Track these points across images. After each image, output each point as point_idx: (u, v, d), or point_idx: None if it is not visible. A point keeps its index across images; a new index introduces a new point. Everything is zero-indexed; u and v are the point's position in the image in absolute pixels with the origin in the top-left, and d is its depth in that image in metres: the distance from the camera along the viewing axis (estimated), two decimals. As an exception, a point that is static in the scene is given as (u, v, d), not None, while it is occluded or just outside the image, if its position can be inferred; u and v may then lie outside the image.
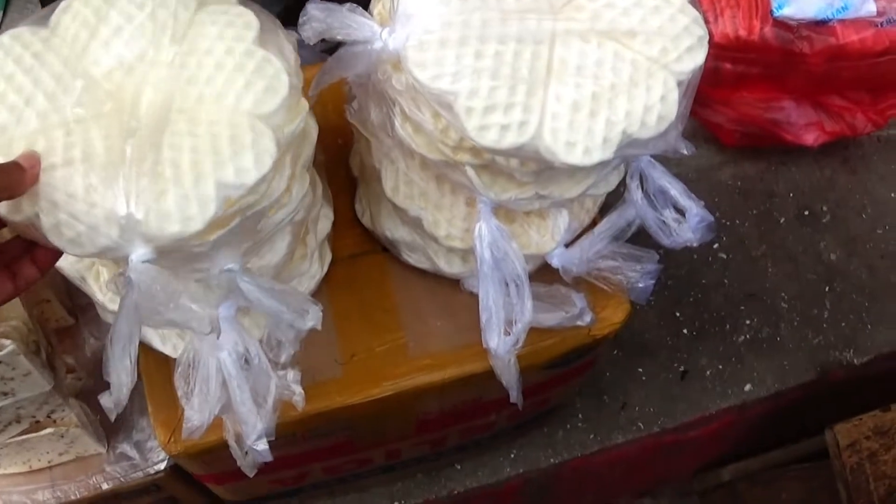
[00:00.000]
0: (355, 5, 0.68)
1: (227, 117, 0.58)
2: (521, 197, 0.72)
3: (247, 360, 0.68)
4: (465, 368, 0.83)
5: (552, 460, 1.27)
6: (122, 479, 0.99)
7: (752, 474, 1.46)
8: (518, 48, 0.64)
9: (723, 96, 1.32)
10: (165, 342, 0.80)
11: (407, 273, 0.88)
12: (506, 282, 0.72)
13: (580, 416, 1.29)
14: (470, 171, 0.70)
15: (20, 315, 0.84)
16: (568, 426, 1.29)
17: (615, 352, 1.31)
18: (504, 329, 0.72)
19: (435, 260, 0.84)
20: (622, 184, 0.77)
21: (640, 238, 0.77)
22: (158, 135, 0.57)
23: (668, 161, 0.72)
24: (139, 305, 0.55)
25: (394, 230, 0.85)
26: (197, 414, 0.67)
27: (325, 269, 0.85)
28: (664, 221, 0.73)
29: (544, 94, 0.64)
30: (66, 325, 1.05)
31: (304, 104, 0.64)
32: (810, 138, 1.33)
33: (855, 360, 1.31)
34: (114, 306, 0.74)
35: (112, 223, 0.55)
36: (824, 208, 1.42)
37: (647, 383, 1.31)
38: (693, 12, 0.68)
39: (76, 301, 1.06)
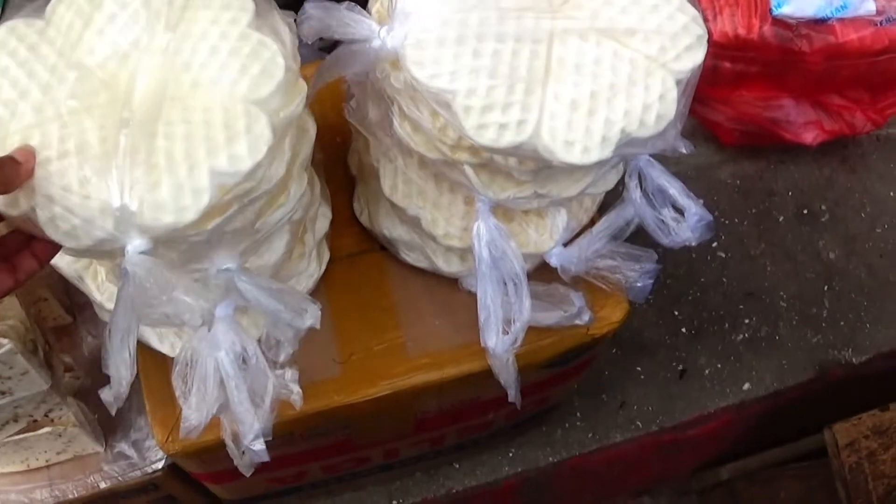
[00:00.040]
0: (353, 4, 0.68)
1: (221, 103, 0.58)
2: (519, 196, 0.71)
3: (244, 360, 0.68)
4: (464, 368, 0.83)
5: (551, 459, 1.27)
6: (119, 478, 0.99)
7: (750, 473, 1.46)
8: (516, 47, 0.64)
9: (722, 95, 1.31)
10: (163, 341, 0.80)
11: (405, 272, 0.88)
12: (504, 281, 0.71)
13: (578, 414, 1.29)
14: (468, 170, 0.70)
15: (17, 314, 0.84)
16: (566, 425, 1.29)
17: (614, 350, 1.31)
18: (502, 328, 0.72)
19: (433, 259, 0.84)
20: (621, 183, 0.77)
21: (639, 237, 0.77)
22: (153, 124, 0.57)
23: (666, 159, 0.72)
24: (135, 298, 0.55)
25: (392, 229, 0.85)
26: (194, 413, 0.67)
27: (324, 268, 0.85)
28: (663, 220, 0.73)
29: (542, 93, 0.64)
30: (63, 324, 1.05)
31: (303, 86, 0.63)
32: (809, 137, 1.33)
33: (854, 359, 1.31)
34: (111, 305, 0.74)
35: (107, 215, 0.54)
36: (823, 207, 1.42)
37: (646, 382, 1.31)
38: (692, 11, 0.67)
39: (74, 299, 1.06)
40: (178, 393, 0.68)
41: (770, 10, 1.16)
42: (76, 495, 0.99)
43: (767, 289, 1.36)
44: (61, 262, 0.75)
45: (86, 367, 1.03)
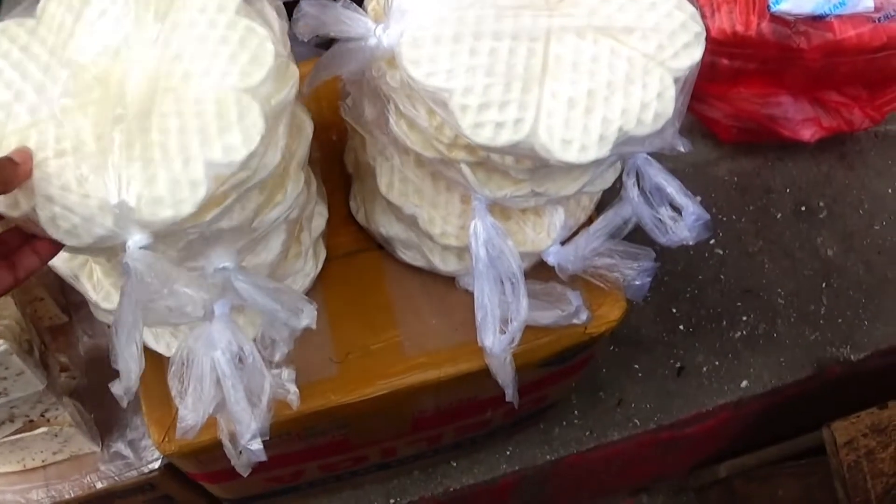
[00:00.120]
0: (349, 1, 0.67)
1: (213, 93, 0.57)
2: (516, 194, 0.71)
3: (241, 359, 0.68)
4: (461, 367, 0.82)
5: (548, 457, 1.27)
6: (116, 477, 0.99)
7: (748, 471, 1.46)
8: (513, 45, 0.64)
9: (719, 92, 1.31)
10: (159, 340, 0.79)
11: (402, 271, 0.88)
12: (501, 280, 0.71)
13: (576, 412, 1.29)
14: (465, 169, 0.69)
15: (13, 314, 0.84)
16: (564, 423, 1.28)
17: (611, 348, 1.31)
18: (499, 327, 0.71)
19: (430, 257, 0.83)
20: (618, 180, 0.76)
21: (637, 235, 0.77)
22: (146, 118, 0.57)
23: (663, 156, 0.71)
24: (138, 292, 0.56)
25: (388, 227, 0.84)
26: (191, 413, 0.67)
27: (320, 267, 0.84)
28: (660, 219, 0.72)
29: (540, 92, 0.63)
30: (59, 323, 1.04)
31: (295, 71, 0.63)
32: (807, 134, 1.33)
33: (852, 357, 1.31)
34: (107, 305, 0.74)
35: (106, 212, 0.55)
36: (821, 204, 1.42)
37: (644, 380, 1.31)
38: (690, 8, 0.67)
39: (69, 298, 1.05)
40: (174, 393, 0.67)
41: (768, 6, 1.16)
42: (73, 495, 0.98)
43: (765, 286, 1.36)
44: (57, 261, 0.75)
45: (82, 366, 1.03)
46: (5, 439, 0.92)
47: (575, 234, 0.80)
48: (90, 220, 0.55)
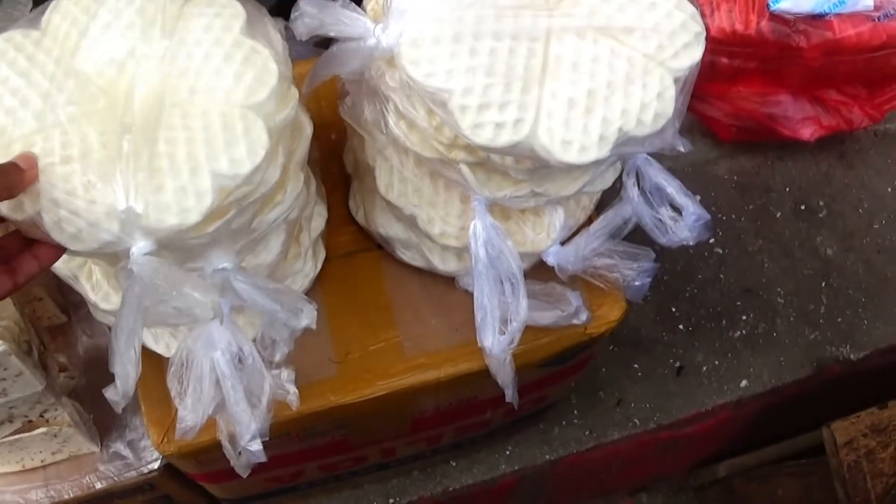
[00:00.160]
0: (348, 1, 0.67)
1: (218, 109, 0.59)
2: (516, 195, 0.71)
3: (241, 360, 0.68)
4: (461, 367, 0.82)
5: (548, 457, 1.27)
6: (115, 478, 0.99)
7: (747, 470, 1.46)
8: (513, 45, 0.64)
9: (719, 91, 1.31)
10: (158, 341, 0.79)
11: (401, 271, 0.87)
12: (501, 280, 0.71)
13: (576, 412, 1.29)
14: (464, 169, 0.69)
15: (12, 315, 0.84)
16: (563, 422, 1.28)
17: (611, 348, 1.31)
18: (499, 328, 0.71)
19: (429, 258, 0.83)
20: (618, 180, 0.76)
21: (636, 235, 0.77)
22: (153, 129, 0.58)
23: (662, 156, 0.71)
24: (142, 296, 0.56)
25: (388, 227, 0.84)
26: (191, 414, 0.67)
27: (319, 267, 0.84)
28: (660, 219, 0.72)
29: (540, 92, 0.63)
30: (58, 323, 1.04)
31: (294, 92, 0.65)
32: (807, 133, 1.33)
33: (851, 356, 1.31)
34: (106, 305, 0.74)
35: (112, 218, 0.56)
36: (821, 203, 1.42)
37: (643, 379, 1.31)
38: (690, 8, 0.67)
39: (68, 298, 1.05)
40: (173, 393, 0.67)
41: (767, 5, 1.16)
42: (72, 495, 0.98)
43: (765, 285, 1.36)
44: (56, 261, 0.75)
45: (81, 366, 1.03)
46: (4, 440, 0.92)
47: (575, 234, 0.80)
48: (96, 226, 0.56)
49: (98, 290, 0.74)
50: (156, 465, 0.99)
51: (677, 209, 0.72)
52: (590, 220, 0.83)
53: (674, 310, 1.34)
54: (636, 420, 1.29)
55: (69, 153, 0.56)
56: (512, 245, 0.71)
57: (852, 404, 1.19)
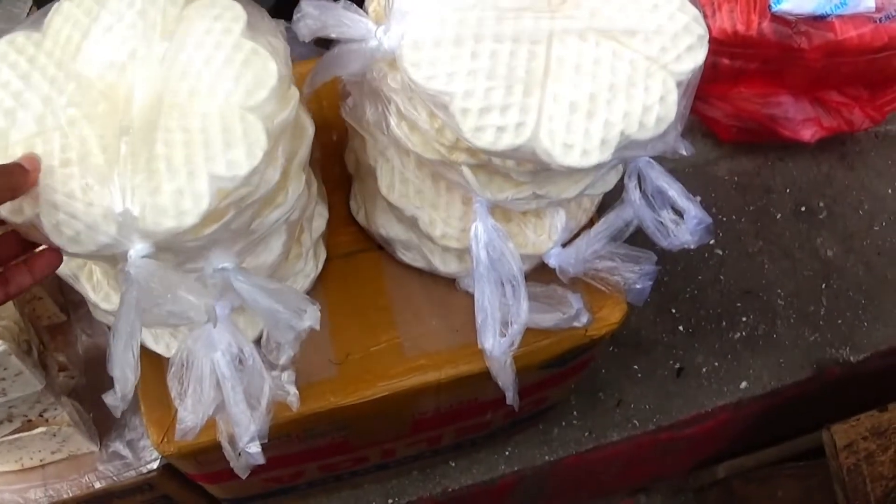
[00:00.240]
0: (350, 2, 0.67)
1: (218, 111, 0.59)
2: (517, 197, 0.71)
3: (241, 361, 0.68)
4: (462, 369, 0.82)
5: (547, 458, 1.27)
6: (114, 477, 0.99)
7: (747, 472, 1.46)
8: (514, 47, 0.64)
9: (720, 91, 1.31)
10: (158, 341, 0.79)
11: (402, 272, 0.87)
12: (502, 282, 0.71)
13: (575, 413, 1.29)
14: (466, 171, 0.69)
15: (11, 314, 0.83)
16: (563, 423, 1.28)
17: (611, 349, 1.31)
18: (500, 330, 0.71)
19: (430, 259, 0.83)
20: (620, 181, 0.76)
21: (638, 238, 0.77)
22: (152, 131, 0.58)
23: (663, 157, 0.71)
24: (140, 300, 0.57)
25: (389, 228, 0.84)
26: (191, 415, 0.67)
27: (320, 267, 0.84)
28: (662, 222, 0.72)
29: (541, 95, 0.63)
30: (58, 322, 1.04)
31: (295, 92, 0.65)
32: (807, 134, 1.33)
33: (851, 358, 1.31)
34: (106, 305, 0.74)
35: (110, 220, 0.56)
36: (821, 204, 1.42)
37: (643, 380, 1.31)
38: (693, 10, 0.67)
39: (68, 297, 1.05)
40: (173, 394, 0.67)
41: (769, 6, 1.16)
42: (71, 495, 0.98)
43: (765, 286, 1.36)
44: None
45: (80, 366, 1.03)
46: (3, 439, 0.92)
47: (576, 236, 0.80)
48: (94, 228, 0.56)
49: (99, 290, 0.74)
50: (155, 465, 0.99)
51: (679, 212, 0.72)
52: (591, 223, 0.83)
53: (674, 311, 1.34)
54: (636, 421, 1.29)
55: (68, 156, 0.57)
56: (513, 247, 0.71)
57: (852, 406, 1.19)
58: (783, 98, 1.30)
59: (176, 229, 0.56)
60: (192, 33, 0.62)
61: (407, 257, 0.86)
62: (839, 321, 1.34)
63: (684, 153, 0.68)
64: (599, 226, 0.76)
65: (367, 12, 0.69)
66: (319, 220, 0.83)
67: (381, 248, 0.89)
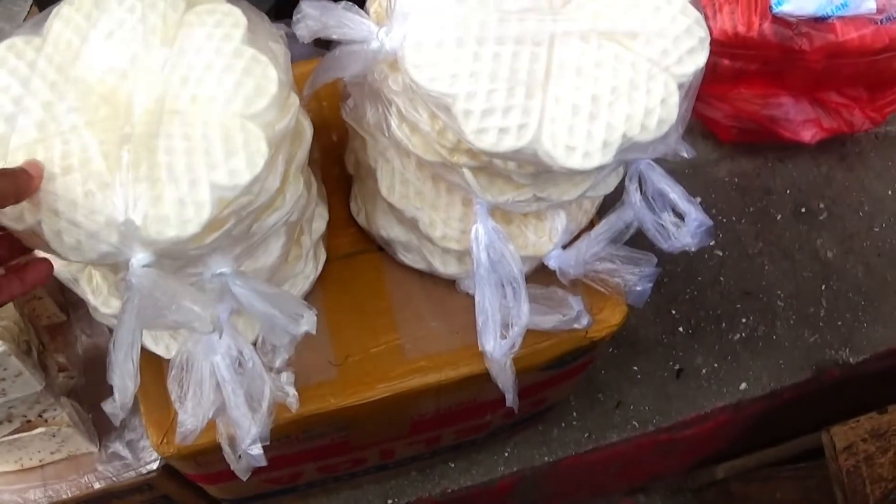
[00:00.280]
0: (351, 3, 0.67)
1: (218, 118, 0.59)
2: (518, 199, 0.71)
3: (241, 364, 0.68)
4: (461, 370, 0.82)
5: (546, 459, 1.27)
6: (114, 478, 0.99)
7: (746, 472, 1.46)
8: (517, 49, 0.63)
9: (720, 92, 1.31)
10: (158, 343, 0.79)
11: (402, 273, 0.87)
12: (502, 284, 0.71)
13: (575, 414, 1.29)
14: (467, 173, 0.69)
15: (11, 315, 0.83)
16: (563, 424, 1.28)
17: (610, 350, 1.31)
18: (500, 332, 0.71)
19: (430, 260, 0.83)
20: (621, 184, 0.76)
21: (638, 240, 0.77)
22: (153, 138, 0.58)
23: (663, 158, 0.71)
24: (141, 308, 0.56)
25: (389, 229, 0.84)
26: (191, 418, 0.67)
27: (320, 269, 0.84)
28: (662, 225, 0.72)
29: (543, 97, 0.63)
30: (58, 322, 1.04)
31: (295, 99, 0.64)
32: (808, 135, 1.33)
33: (851, 359, 1.31)
34: (106, 309, 0.73)
35: (111, 229, 0.56)
36: (821, 205, 1.42)
37: (642, 381, 1.31)
38: (694, 13, 0.67)
39: (68, 297, 1.05)
40: (173, 397, 0.67)
41: (770, 7, 1.16)
42: (70, 495, 0.98)
43: (765, 288, 1.36)
44: (56, 263, 0.75)
45: (80, 366, 1.03)
46: (3, 439, 0.91)
47: (576, 238, 0.80)
48: (95, 237, 0.56)
49: (98, 293, 0.74)
50: (154, 466, 0.99)
51: (679, 215, 0.72)
52: (592, 225, 0.83)
53: (673, 312, 1.34)
54: (635, 422, 1.29)
55: (69, 163, 0.56)
56: (513, 249, 0.71)
57: (851, 408, 1.19)
58: (783, 99, 1.30)
59: (178, 238, 0.56)
60: (192, 39, 0.61)
61: (407, 259, 0.86)
62: (839, 322, 1.34)
63: (685, 155, 0.68)
64: (600, 228, 0.76)
65: (368, 13, 0.69)
66: (319, 221, 0.82)
67: (381, 249, 0.88)
